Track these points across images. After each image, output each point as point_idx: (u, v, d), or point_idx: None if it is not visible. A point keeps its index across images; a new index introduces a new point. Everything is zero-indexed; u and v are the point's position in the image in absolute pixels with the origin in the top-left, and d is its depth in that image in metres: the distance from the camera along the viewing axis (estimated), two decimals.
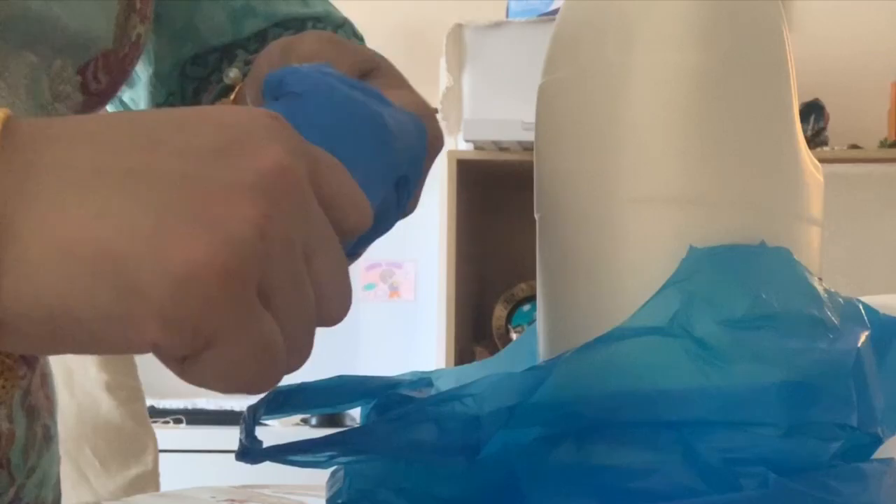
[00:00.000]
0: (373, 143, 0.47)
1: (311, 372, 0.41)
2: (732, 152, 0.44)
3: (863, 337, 0.43)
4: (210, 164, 0.33)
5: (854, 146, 2.58)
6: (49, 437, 0.67)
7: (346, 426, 2.11)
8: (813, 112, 2.57)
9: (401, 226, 0.55)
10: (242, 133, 0.34)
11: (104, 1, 0.57)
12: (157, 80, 0.69)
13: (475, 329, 2.56)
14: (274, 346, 0.34)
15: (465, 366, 0.55)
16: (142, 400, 1.58)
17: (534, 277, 0.49)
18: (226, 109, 0.37)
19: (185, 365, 0.34)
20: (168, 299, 0.31)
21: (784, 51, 0.46)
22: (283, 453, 0.43)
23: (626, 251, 0.44)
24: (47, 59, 0.56)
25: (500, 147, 2.30)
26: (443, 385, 0.51)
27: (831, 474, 0.40)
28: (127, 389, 1.54)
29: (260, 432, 0.43)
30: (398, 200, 0.50)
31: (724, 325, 0.40)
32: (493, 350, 2.27)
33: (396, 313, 2.97)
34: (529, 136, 0.94)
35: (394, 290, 2.96)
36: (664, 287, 0.42)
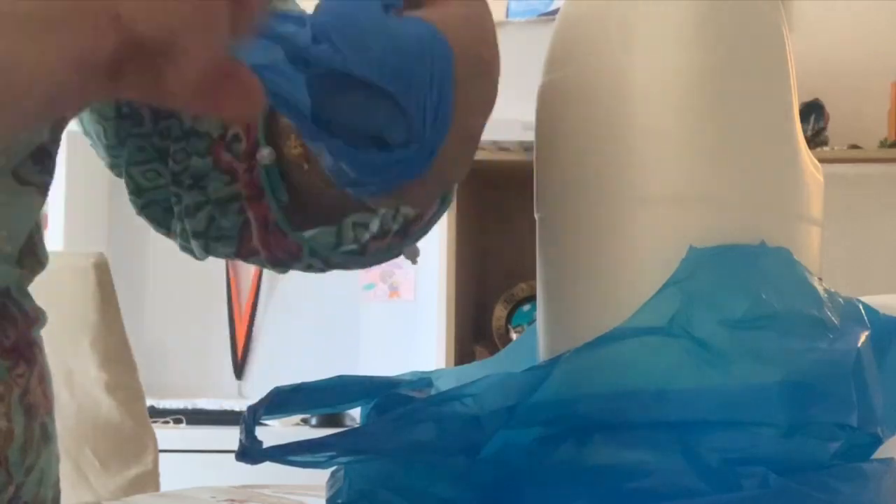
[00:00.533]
0: None
1: (311, 372, 0.41)
2: (732, 152, 0.44)
3: (863, 337, 0.43)
4: None
5: (854, 146, 2.58)
6: (47, 436, 0.67)
7: (346, 426, 2.11)
8: (813, 112, 2.57)
9: None
10: None
11: None
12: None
13: (475, 329, 2.56)
14: None
15: (465, 366, 0.55)
16: (142, 400, 1.57)
17: (534, 277, 0.49)
18: None
19: None
20: None
21: (784, 51, 0.46)
22: (283, 453, 0.43)
23: (627, 251, 0.44)
24: None
25: (500, 147, 2.30)
26: (443, 385, 0.51)
27: (831, 474, 0.40)
28: (127, 389, 1.54)
29: (260, 432, 0.43)
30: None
31: (724, 325, 0.40)
32: (493, 350, 2.27)
33: (396, 313, 2.97)
34: (529, 136, 0.94)
35: (394, 290, 2.96)
36: (664, 287, 0.42)
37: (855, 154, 2.55)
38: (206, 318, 3.05)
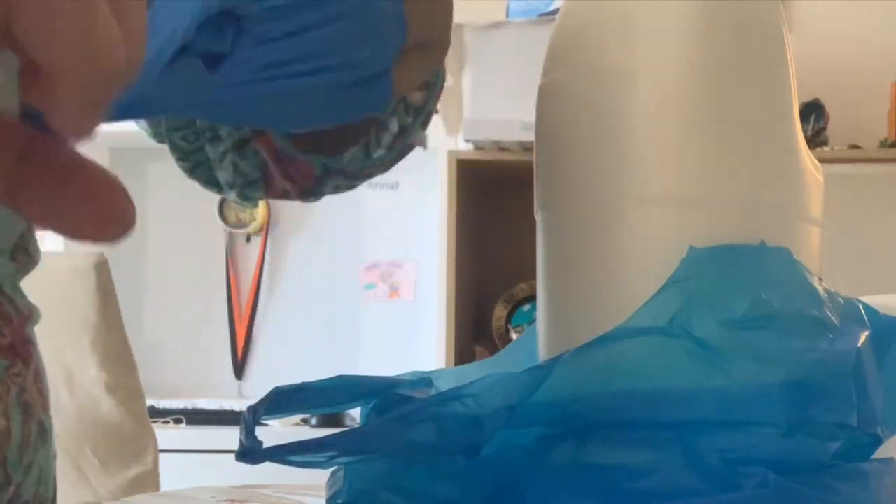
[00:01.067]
0: None
1: (311, 372, 0.41)
2: (732, 152, 0.44)
3: (863, 337, 0.43)
4: None
5: (854, 146, 2.58)
6: (44, 433, 0.67)
7: (346, 426, 2.11)
8: (813, 112, 2.57)
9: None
10: None
11: None
12: None
13: (475, 329, 2.56)
14: None
15: (465, 366, 0.55)
16: (142, 400, 1.58)
17: (534, 277, 0.49)
18: None
19: None
20: None
21: (784, 51, 0.46)
22: (283, 453, 0.43)
23: (627, 251, 0.44)
24: None
25: (500, 147, 2.30)
26: (443, 385, 0.51)
27: (831, 474, 0.40)
28: (127, 389, 1.54)
29: (260, 432, 0.43)
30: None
31: (724, 325, 0.40)
32: (493, 350, 2.27)
33: (396, 313, 2.97)
34: (529, 136, 0.94)
35: (394, 290, 2.97)
36: (664, 287, 0.42)
37: (855, 154, 2.56)
38: (206, 318, 3.05)
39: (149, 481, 1.54)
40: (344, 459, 0.44)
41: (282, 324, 3.03)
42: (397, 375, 0.52)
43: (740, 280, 0.42)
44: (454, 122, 2.37)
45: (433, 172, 2.59)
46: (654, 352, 0.40)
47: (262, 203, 2.95)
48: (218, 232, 3.05)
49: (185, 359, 3.01)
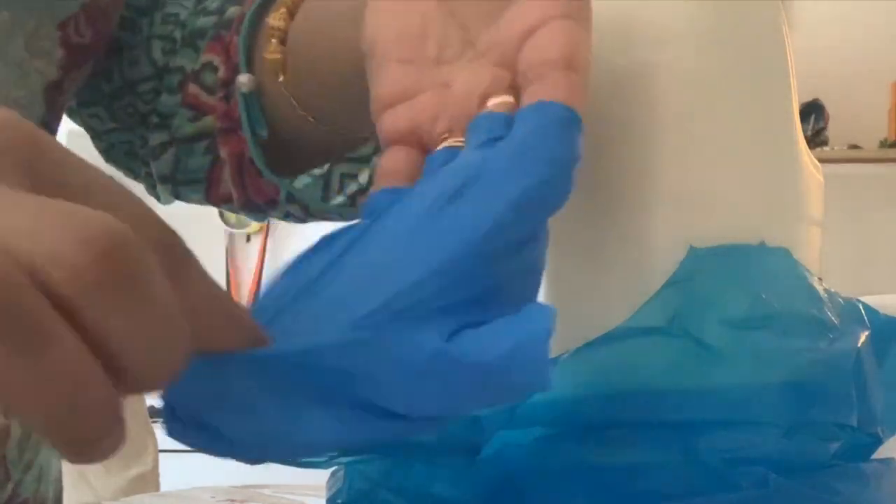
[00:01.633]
0: None
1: None
2: (732, 152, 0.44)
3: (863, 337, 0.43)
4: None
5: (854, 146, 2.58)
6: None
7: None
8: (813, 112, 2.57)
9: None
10: None
11: None
12: None
13: None
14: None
15: None
16: (142, 400, 1.57)
17: None
18: None
19: None
20: None
21: (784, 51, 0.46)
22: None
23: (627, 251, 0.44)
24: (21, 17, 0.54)
25: None
26: None
27: (831, 474, 0.40)
28: None
29: None
30: None
31: (724, 325, 0.40)
32: None
33: None
34: None
35: None
36: (664, 287, 0.42)
37: (855, 154, 2.56)
38: None
39: (149, 481, 1.54)
40: (344, 459, 0.44)
41: None
42: None
43: (740, 280, 0.42)
44: None
45: None
46: (654, 352, 0.40)
47: None
48: (218, 232, 3.05)
49: None
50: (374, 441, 0.35)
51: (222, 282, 3.05)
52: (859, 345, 0.42)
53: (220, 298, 0.28)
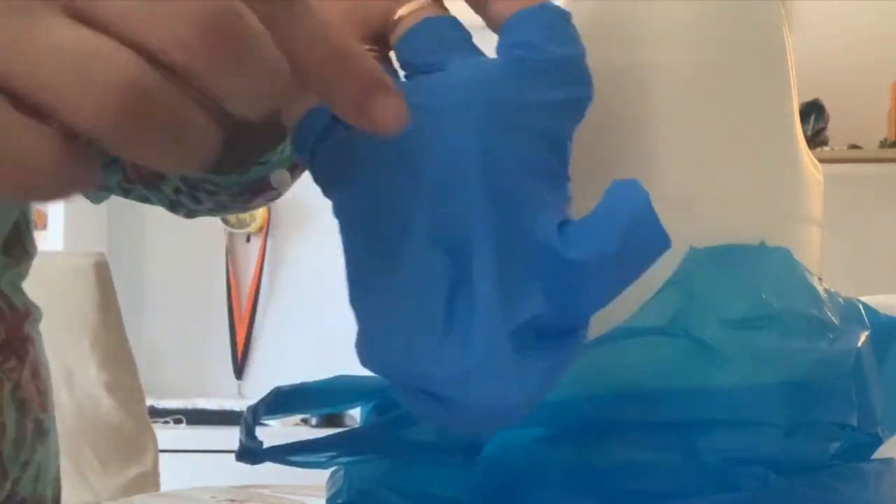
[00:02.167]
0: None
1: (311, 372, 0.41)
2: (732, 152, 0.44)
3: (863, 337, 0.43)
4: None
5: (854, 146, 2.58)
6: (43, 432, 0.66)
7: (346, 426, 2.11)
8: (813, 112, 2.57)
9: None
10: None
11: None
12: None
13: None
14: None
15: None
16: (142, 400, 1.58)
17: None
18: None
19: None
20: None
21: (784, 51, 0.46)
22: (283, 453, 0.43)
23: None
24: None
25: None
26: None
27: (831, 474, 0.40)
28: (127, 389, 1.54)
29: (260, 432, 0.43)
30: None
31: (724, 325, 0.40)
32: None
33: None
34: None
35: None
36: (664, 287, 0.42)
37: (855, 154, 2.56)
38: (206, 318, 3.05)
39: (149, 481, 1.54)
40: (344, 459, 0.44)
41: (282, 324, 3.03)
42: None
43: (740, 280, 0.42)
44: None
45: None
46: (654, 352, 0.40)
47: None
48: (218, 232, 3.05)
49: (185, 359, 3.01)
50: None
51: (222, 282, 3.06)
52: (859, 345, 0.42)
53: (323, 39, 0.31)
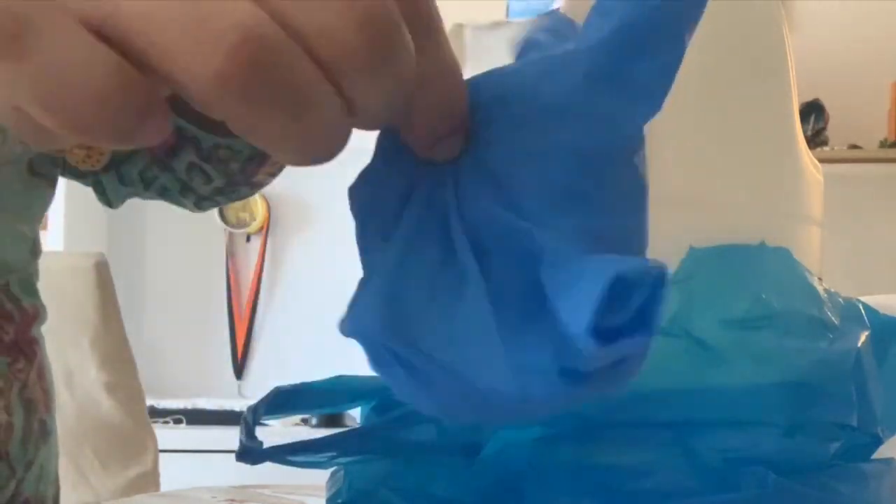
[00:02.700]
0: None
1: (311, 372, 0.41)
2: (732, 152, 0.44)
3: (863, 337, 0.43)
4: None
5: (854, 146, 2.58)
6: (46, 432, 0.67)
7: (346, 426, 2.11)
8: (813, 112, 2.57)
9: None
10: None
11: None
12: None
13: None
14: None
15: None
16: (142, 400, 1.58)
17: None
18: None
19: None
20: None
21: (784, 51, 0.46)
22: (283, 453, 0.43)
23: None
24: None
25: None
26: None
27: (831, 474, 0.40)
28: (127, 389, 1.54)
29: (260, 432, 0.43)
30: None
31: (724, 325, 0.40)
32: None
33: None
34: None
35: None
36: None
37: (855, 154, 2.56)
38: (206, 318, 3.05)
39: (149, 481, 1.54)
40: (344, 459, 0.44)
41: (282, 324, 3.03)
42: None
43: (740, 280, 0.42)
44: None
45: None
46: (654, 352, 0.40)
47: (262, 203, 2.95)
48: (218, 232, 3.05)
49: (185, 359, 3.01)
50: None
51: (222, 282, 3.06)
52: (859, 345, 0.42)
53: (449, 75, 0.32)
